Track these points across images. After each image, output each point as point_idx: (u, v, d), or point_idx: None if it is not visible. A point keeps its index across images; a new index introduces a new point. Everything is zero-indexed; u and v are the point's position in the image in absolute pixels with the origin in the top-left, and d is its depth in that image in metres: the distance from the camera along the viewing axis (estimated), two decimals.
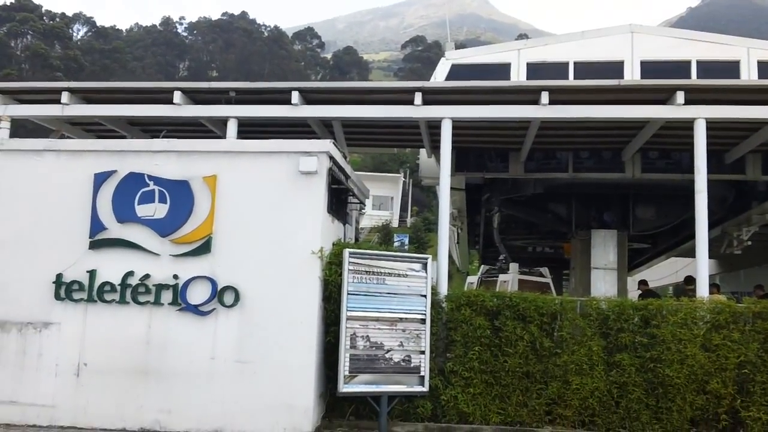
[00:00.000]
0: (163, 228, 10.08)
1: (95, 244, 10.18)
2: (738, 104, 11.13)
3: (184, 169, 10.29)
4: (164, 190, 10.21)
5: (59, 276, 10.12)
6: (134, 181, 10.29)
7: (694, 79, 15.15)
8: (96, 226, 10.21)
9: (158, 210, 10.16)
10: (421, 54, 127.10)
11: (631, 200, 17.03)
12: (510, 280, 18.78)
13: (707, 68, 15.63)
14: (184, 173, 10.26)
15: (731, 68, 15.67)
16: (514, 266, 19.69)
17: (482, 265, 23.99)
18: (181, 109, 12.01)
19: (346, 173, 11.51)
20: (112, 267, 10.08)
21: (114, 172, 10.35)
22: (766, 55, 15.79)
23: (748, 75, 15.55)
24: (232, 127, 11.83)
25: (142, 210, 10.18)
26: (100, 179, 10.32)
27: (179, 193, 10.16)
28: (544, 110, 11.31)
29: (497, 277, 20.47)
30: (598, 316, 10.05)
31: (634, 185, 15.74)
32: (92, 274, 10.08)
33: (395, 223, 61.78)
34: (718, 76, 14.18)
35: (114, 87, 13.01)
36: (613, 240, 16.77)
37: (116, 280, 10.02)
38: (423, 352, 9.77)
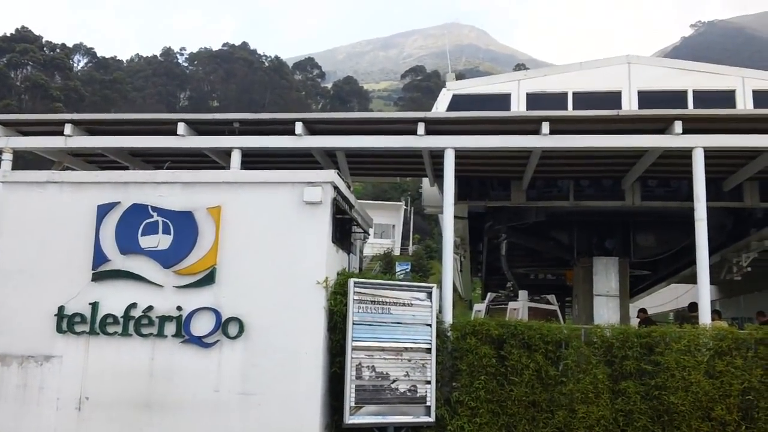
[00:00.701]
0: (167, 259, 10.07)
1: (98, 276, 10.16)
2: (735, 133, 11.20)
3: (188, 200, 10.31)
4: (168, 221, 10.22)
5: (61, 308, 10.08)
6: (138, 212, 10.30)
7: (690, 108, 15.28)
8: (99, 257, 10.19)
9: (162, 241, 10.16)
10: (421, 83, 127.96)
11: (632, 228, 17.06)
12: (520, 308, 18.69)
13: (703, 98, 15.77)
14: (188, 204, 10.27)
15: (727, 98, 15.81)
16: (523, 294, 19.60)
17: (488, 293, 23.86)
18: (184, 140, 12.07)
19: (350, 203, 11.54)
20: (114, 299, 10.04)
21: (117, 203, 10.36)
22: (761, 85, 15.95)
23: (744, 104, 15.69)
24: (236, 158, 11.88)
25: (146, 241, 10.18)
26: (104, 211, 10.33)
27: (183, 224, 10.16)
28: (545, 140, 11.38)
29: (505, 304, 20.35)
30: (603, 344, 9.99)
31: (634, 213, 15.78)
32: (95, 306, 10.04)
33: (397, 251, 61.70)
34: (714, 106, 14.26)
35: (117, 119, 13.09)
36: (614, 267, 16.77)
37: (119, 312, 9.98)
38: (429, 382, 9.70)
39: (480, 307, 22.38)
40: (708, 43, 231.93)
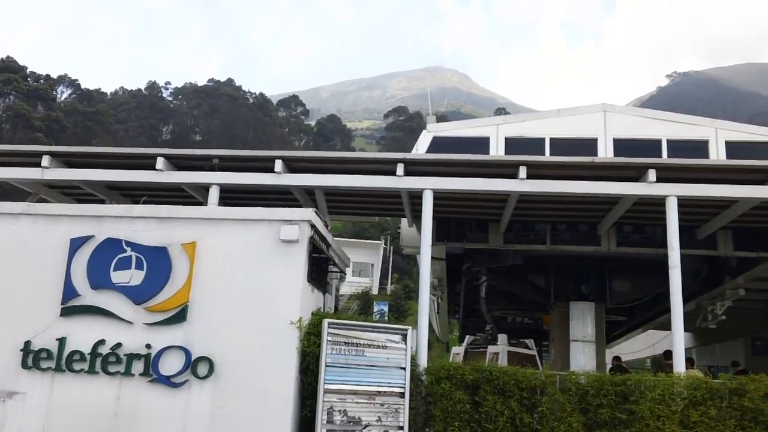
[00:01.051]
0: (138, 295, 9.87)
1: (67, 311, 9.93)
2: (708, 183, 11.36)
3: (163, 236, 10.17)
4: (142, 257, 10.06)
5: (27, 343, 9.81)
6: (111, 246, 10.13)
7: (664, 157, 15.50)
8: (69, 292, 9.98)
9: (134, 277, 9.98)
10: (403, 124, 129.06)
11: (608, 273, 17.10)
12: (500, 352, 18.50)
13: (677, 147, 16.01)
14: (163, 240, 10.13)
15: (700, 147, 16.07)
16: (502, 338, 19.41)
17: (467, 336, 23.67)
18: (163, 175, 11.98)
19: (327, 242, 11.45)
20: (82, 335, 9.80)
21: (91, 237, 10.19)
22: (734, 136, 16.24)
23: (717, 155, 15.95)
24: (214, 194, 11.79)
25: (118, 276, 9.99)
26: (77, 244, 10.15)
27: (157, 260, 10.00)
28: (523, 184, 11.44)
29: (484, 348, 20.13)
30: (578, 392, 9.90)
31: (610, 258, 15.84)
32: (62, 342, 9.79)
33: (375, 291, 61.33)
34: (687, 155, 14.50)
35: (96, 152, 12.97)
36: (591, 312, 16.73)
37: (86, 349, 9.73)
38: (401, 428, 9.50)
39: (458, 350, 22.15)
40: (683, 94, 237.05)
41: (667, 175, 11.25)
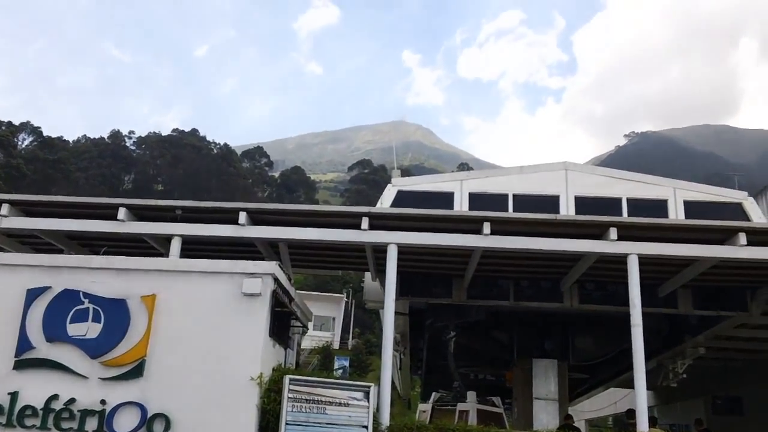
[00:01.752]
0: (95, 349, 9.63)
1: (21, 364, 9.64)
2: (668, 242, 11.63)
3: (122, 288, 10.00)
4: (99, 309, 9.86)
5: None
6: (68, 298, 9.93)
7: (624, 216, 15.81)
8: (23, 344, 9.71)
9: (91, 329, 9.75)
10: (368, 176, 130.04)
11: (570, 330, 17.19)
12: (470, 409, 18.23)
13: (637, 205, 16.38)
14: (122, 292, 9.96)
15: (660, 206, 16.47)
16: (471, 395, 19.12)
17: (433, 393, 23.36)
18: (124, 225, 11.82)
19: (290, 295, 11.36)
20: (36, 389, 9.51)
21: (48, 288, 9.98)
22: (692, 195, 16.69)
23: (676, 214, 16.35)
24: (175, 246, 11.65)
25: (74, 329, 9.76)
26: (33, 295, 9.93)
27: (115, 313, 9.81)
28: (486, 240, 11.57)
29: (453, 405, 19.82)
30: None
31: (572, 315, 15.95)
32: (14, 396, 9.46)
33: (336, 345, 60.51)
34: (647, 214, 14.81)
35: (56, 201, 12.76)
36: (554, 370, 16.73)
37: (39, 404, 9.42)
38: None
39: (425, 407, 21.79)
40: (641, 153, 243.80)
41: (628, 233, 11.50)
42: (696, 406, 23.40)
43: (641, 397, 10.79)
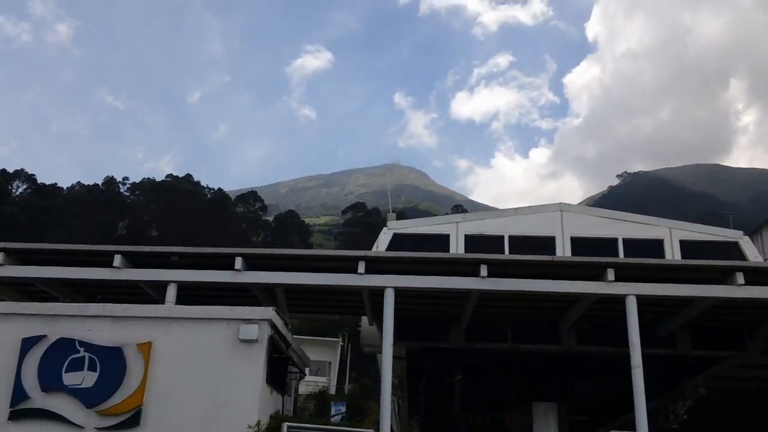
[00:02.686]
0: (91, 398, 9.53)
1: (15, 415, 9.54)
2: (665, 282, 11.66)
3: (118, 336, 9.94)
4: (95, 357, 9.79)
5: None
6: (64, 347, 9.87)
7: (621, 256, 15.87)
8: (18, 394, 9.62)
9: (87, 378, 9.67)
10: (362, 219, 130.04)
11: (569, 372, 17.05)
12: None
13: (633, 246, 16.44)
14: (118, 339, 9.90)
15: (656, 246, 16.53)
16: None
17: None
18: (120, 272, 11.79)
19: (287, 341, 11.31)
20: None
21: (43, 337, 9.92)
22: (688, 235, 16.78)
23: (672, 254, 16.40)
24: (171, 292, 11.61)
25: (70, 378, 9.67)
26: (28, 344, 9.86)
27: (111, 361, 9.74)
28: (483, 282, 11.58)
29: None
30: None
31: (571, 357, 15.85)
32: None
33: (333, 390, 59.77)
34: (643, 254, 14.89)
35: (52, 248, 12.76)
36: (553, 413, 16.55)
37: None
38: None
39: None
40: (634, 193, 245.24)
41: (625, 274, 11.54)
42: None
43: None
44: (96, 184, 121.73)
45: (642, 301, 11.58)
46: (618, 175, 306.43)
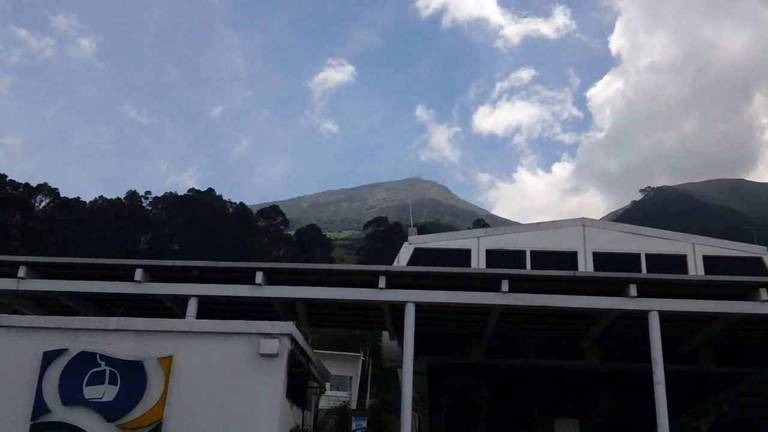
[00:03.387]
0: (111, 411, 9.57)
1: (36, 428, 9.60)
2: (688, 298, 11.51)
3: (138, 349, 9.99)
4: (116, 371, 9.83)
5: None
6: (85, 360, 9.92)
7: (644, 272, 15.70)
8: (39, 407, 9.67)
9: (107, 392, 9.71)
10: (383, 234, 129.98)
11: (591, 388, 16.87)
12: None
13: (656, 261, 16.27)
14: (139, 353, 9.95)
15: (678, 262, 16.35)
16: None
17: None
18: (141, 286, 11.89)
19: (307, 356, 11.29)
20: None
21: (65, 350, 9.99)
22: (711, 251, 16.58)
23: (695, 270, 16.20)
24: (192, 306, 11.68)
25: (91, 392, 9.72)
26: (49, 358, 9.93)
27: (131, 375, 9.78)
28: (505, 297, 11.51)
29: None
30: None
31: (593, 373, 15.69)
32: None
33: (354, 405, 59.54)
34: (666, 270, 14.74)
35: (73, 263, 12.92)
36: (575, 429, 16.37)
37: None
38: None
39: None
40: (657, 208, 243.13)
41: (648, 289, 11.41)
42: None
43: None
44: (118, 198, 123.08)
45: (665, 317, 11.43)
46: (641, 190, 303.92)
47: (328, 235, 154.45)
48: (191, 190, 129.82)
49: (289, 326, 10.27)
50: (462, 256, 16.80)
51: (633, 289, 11.32)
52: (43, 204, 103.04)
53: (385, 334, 15.56)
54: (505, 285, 11.46)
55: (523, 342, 14.80)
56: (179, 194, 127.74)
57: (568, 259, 16.40)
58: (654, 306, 11.34)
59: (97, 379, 9.79)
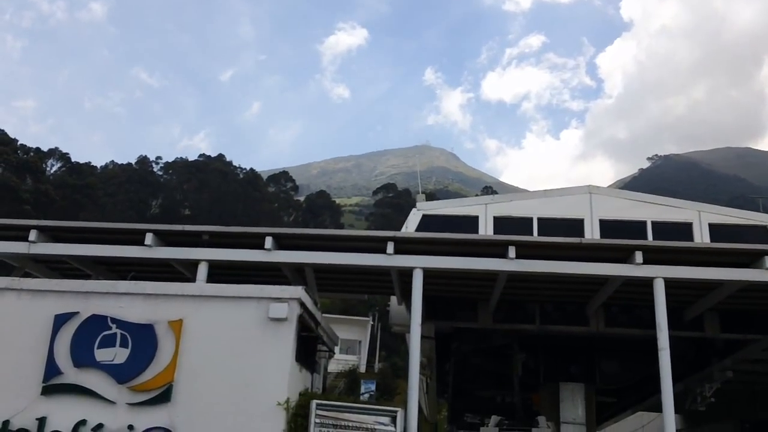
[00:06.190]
0: (122, 374, 9.64)
1: (48, 390, 9.66)
2: (694, 265, 11.45)
3: (149, 313, 10.03)
4: (127, 334, 9.88)
5: (6, 423, 9.50)
6: (96, 323, 9.97)
7: (649, 239, 15.62)
8: (51, 370, 9.74)
9: (118, 355, 9.77)
10: (392, 200, 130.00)
11: (597, 354, 16.93)
12: None
13: (661, 229, 16.18)
14: (150, 317, 9.99)
15: (684, 230, 16.24)
16: (542, 420, 18.33)
17: (492, 417, 22.59)
18: (152, 250, 11.90)
19: (316, 320, 11.33)
20: (63, 415, 9.51)
21: (76, 313, 10.03)
22: (717, 219, 16.47)
23: (701, 237, 16.11)
24: (202, 270, 11.70)
25: (102, 354, 9.78)
26: (61, 321, 9.98)
27: (142, 338, 9.83)
28: (511, 264, 11.48)
29: (524, 429, 18.76)
30: None
31: (599, 339, 15.71)
32: (42, 422, 9.48)
33: (363, 369, 60.13)
34: (672, 238, 14.61)
35: (84, 226, 12.93)
36: (581, 394, 16.47)
37: (67, 430, 9.44)
38: None
39: None
40: (664, 176, 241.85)
41: (654, 257, 11.34)
42: (724, 430, 22.82)
43: (669, 422, 10.58)
44: (129, 163, 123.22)
45: (670, 284, 11.39)
46: (649, 158, 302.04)
47: (337, 201, 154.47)
48: (202, 155, 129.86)
49: (298, 291, 10.29)
50: (470, 222, 16.74)
51: (639, 256, 11.26)
52: (54, 168, 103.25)
53: (394, 299, 15.60)
54: (512, 251, 11.42)
55: (530, 308, 14.81)
56: (190, 159, 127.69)
57: (575, 226, 16.33)
58: (659, 273, 11.29)
59: (109, 342, 9.84)
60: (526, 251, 11.59)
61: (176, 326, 9.88)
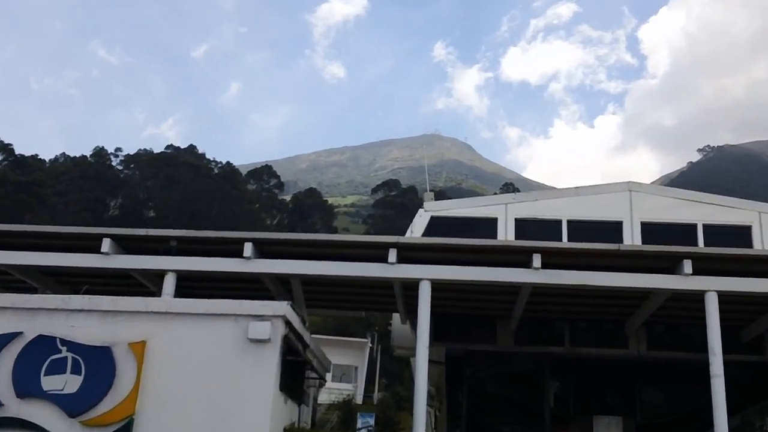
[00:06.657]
0: (74, 405, 9.67)
1: None
2: (753, 276, 11.47)
3: (106, 333, 10.06)
4: (79, 358, 9.91)
5: None
6: (43, 345, 10.01)
7: (701, 245, 15.63)
8: None
9: (69, 383, 9.80)
10: (395, 200, 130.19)
11: (637, 381, 16.94)
12: None
13: (715, 233, 16.19)
14: (107, 338, 10.02)
15: (742, 234, 16.26)
16: None
17: None
18: (109, 259, 11.95)
19: (304, 341, 11.36)
20: None
21: (19, 334, 10.08)
22: None
23: (762, 243, 16.09)
24: (169, 283, 11.74)
25: (50, 382, 9.81)
26: (2, 342, 10.05)
27: (98, 363, 9.86)
28: (537, 275, 11.52)
29: None
30: None
31: (639, 363, 15.74)
32: None
33: (359, 399, 60.12)
34: (727, 243, 14.63)
35: (30, 231, 12.97)
36: (618, 428, 16.48)
37: None
38: None
39: None
40: (717, 170, 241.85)
41: (705, 266, 11.37)
42: None
43: None
44: (84, 156, 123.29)
45: (724, 298, 11.41)
46: (699, 149, 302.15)
47: (330, 200, 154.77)
48: (169, 146, 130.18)
49: (283, 307, 10.31)
50: (487, 225, 16.78)
51: (688, 266, 11.28)
52: None
53: (396, 317, 15.63)
54: (537, 260, 11.45)
55: (558, 326, 14.84)
56: (155, 152, 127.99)
57: (612, 230, 16.36)
58: (712, 285, 11.32)
59: (58, 368, 9.86)
60: (554, 260, 11.63)
61: (138, 349, 9.90)
